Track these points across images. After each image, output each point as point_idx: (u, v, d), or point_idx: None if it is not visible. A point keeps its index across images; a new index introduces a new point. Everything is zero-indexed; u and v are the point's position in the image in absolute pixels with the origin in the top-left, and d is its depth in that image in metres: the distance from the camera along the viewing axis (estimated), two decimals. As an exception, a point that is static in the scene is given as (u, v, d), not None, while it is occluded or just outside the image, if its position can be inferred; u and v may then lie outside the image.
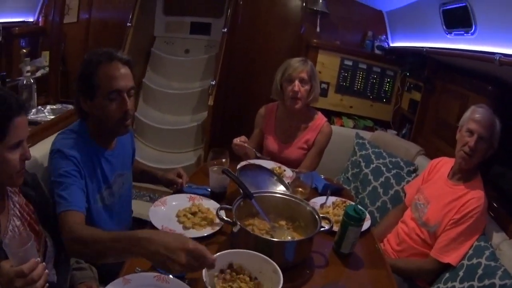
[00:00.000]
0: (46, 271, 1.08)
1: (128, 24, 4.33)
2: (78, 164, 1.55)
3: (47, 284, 1.09)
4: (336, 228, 1.58)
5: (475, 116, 1.92)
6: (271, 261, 1.22)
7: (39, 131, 2.27)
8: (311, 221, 1.53)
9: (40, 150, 1.80)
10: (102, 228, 1.52)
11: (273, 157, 2.44)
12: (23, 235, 1.15)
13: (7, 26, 4.98)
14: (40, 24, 5.44)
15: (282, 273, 1.17)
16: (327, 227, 1.49)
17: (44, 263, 1.08)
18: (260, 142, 2.58)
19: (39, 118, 3.02)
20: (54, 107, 3.42)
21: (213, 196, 1.85)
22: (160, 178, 2.07)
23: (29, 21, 5.56)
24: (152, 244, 1.09)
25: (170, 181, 2.00)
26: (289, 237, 1.53)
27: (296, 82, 2.30)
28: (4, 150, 1.18)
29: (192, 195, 1.83)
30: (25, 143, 1.25)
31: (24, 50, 5.30)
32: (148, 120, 4.37)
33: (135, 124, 4.42)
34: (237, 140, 2.13)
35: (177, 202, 1.75)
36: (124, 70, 1.59)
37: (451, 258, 1.81)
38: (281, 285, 1.13)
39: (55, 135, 1.70)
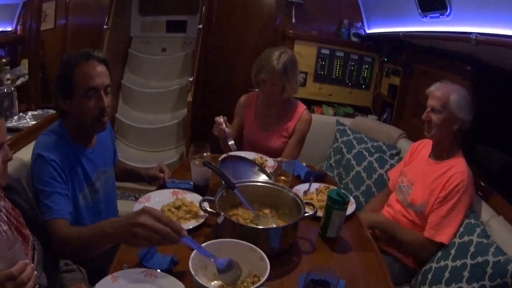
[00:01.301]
0: (35, 272, 1.08)
1: (105, 26, 4.32)
2: (59, 168, 1.58)
3: (37, 286, 1.09)
4: (320, 213, 1.58)
5: (428, 91, 2.00)
6: (257, 248, 1.21)
7: (22, 137, 2.31)
8: (295, 207, 1.52)
9: (24, 155, 1.83)
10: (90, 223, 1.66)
11: (253, 145, 2.44)
12: (11, 238, 1.17)
13: None
14: (18, 33, 5.46)
15: (269, 260, 1.16)
16: (311, 212, 1.48)
17: (33, 265, 1.09)
18: (239, 132, 2.57)
19: (21, 125, 3.10)
20: (36, 112, 3.48)
21: (196, 189, 1.84)
22: (142, 175, 2.08)
23: (7, 31, 5.56)
24: (116, 222, 1.19)
25: (152, 177, 2.01)
26: (273, 225, 1.52)
27: (268, 86, 2.29)
28: None
29: (175, 190, 1.82)
30: (6, 145, 1.25)
31: (4, 60, 5.32)
32: (128, 120, 4.35)
33: (116, 125, 4.41)
34: (220, 119, 2.10)
35: (160, 198, 1.75)
36: (100, 68, 1.63)
37: (443, 236, 1.82)
38: (268, 271, 1.12)
39: (38, 139, 1.72)
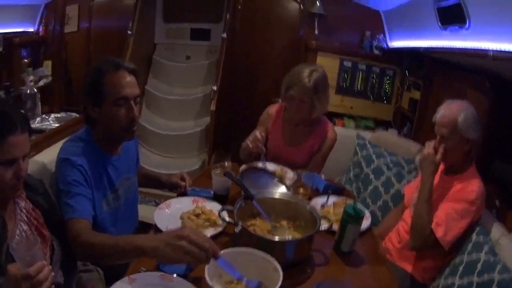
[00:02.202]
0: (52, 273, 1.11)
1: (129, 32, 4.39)
2: (85, 173, 1.61)
3: (53, 286, 1.12)
4: (336, 227, 1.61)
5: (434, 119, 1.98)
6: (272, 259, 1.26)
7: (44, 139, 2.35)
8: (311, 220, 1.56)
9: (46, 157, 1.87)
10: (108, 230, 1.70)
11: (276, 158, 2.42)
12: (30, 239, 1.23)
13: (8, 37, 5.06)
14: (40, 34, 5.52)
15: (283, 271, 1.21)
16: (326, 226, 1.53)
17: (50, 266, 1.11)
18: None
19: (43, 126, 3.17)
20: (58, 115, 3.55)
21: (216, 198, 1.89)
22: (164, 182, 2.11)
23: (29, 31, 5.64)
24: (151, 237, 1.26)
25: (173, 184, 2.04)
26: (289, 237, 1.57)
27: (296, 103, 2.28)
28: None
29: (196, 198, 1.87)
30: (21, 161, 1.28)
31: (26, 60, 5.40)
32: (152, 126, 4.41)
33: (139, 130, 4.42)
34: (259, 135, 2.10)
35: (181, 205, 1.80)
36: (130, 78, 1.66)
37: (441, 231, 1.81)
38: (280, 282, 1.17)
39: (61, 142, 1.76)
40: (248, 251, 1.31)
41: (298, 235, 1.58)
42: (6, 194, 1.30)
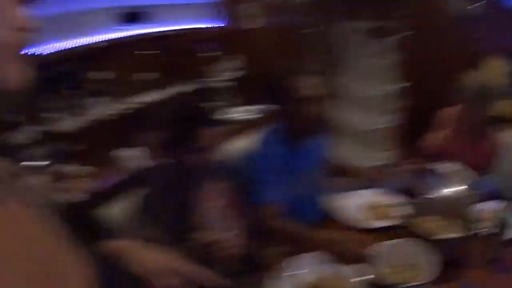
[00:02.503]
0: (238, 243, 1.42)
1: (307, 30, 4.51)
2: (275, 162, 1.85)
3: (238, 250, 1.44)
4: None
5: None
6: (432, 254, 1.44)
7: (239, 129, 2.69)
8: (475, 221, 1.65)
9: (241, 144, 2.18)
10: (294, 218, 1.88)
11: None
12: (221, 209, 1.54)
13: (192, 32, 5.75)
14: (227, 29, 6.16)
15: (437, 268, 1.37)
16: (489, 229, 1.60)
17: (238, 235, 1.44)
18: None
19: (239, 118, 3.61)
20: (250, 107, 3.84)
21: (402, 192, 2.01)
22: (354, 174, 2.25)
23: (217, 26, 6.33)
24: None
25: (365, 178, 2.19)
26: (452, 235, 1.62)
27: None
28: (196, 150, 1.57)
29: (379, 191, 2.07)
30: (214, 146, 1.63)
31: (218, 54, 6.10)
32: (343, 121, 4.42)
33: (332, 125, 4.47)
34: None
35: (360, 196, 2.00)
36: (308, 81, 1.86)
37: None
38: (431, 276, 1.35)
39: (255, 133, 2.05)
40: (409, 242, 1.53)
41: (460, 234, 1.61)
42: (205, 173, 1.65)
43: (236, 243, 1.39)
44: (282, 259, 1.63)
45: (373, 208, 1.88)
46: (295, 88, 1.83)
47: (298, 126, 1.90)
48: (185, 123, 1.58)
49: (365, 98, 4.58)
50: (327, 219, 1.95)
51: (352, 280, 1.44)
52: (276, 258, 1.68)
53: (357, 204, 1.92)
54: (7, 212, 0.55)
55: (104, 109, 4.67)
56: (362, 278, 1.44)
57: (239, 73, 5.11)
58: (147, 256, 0.88)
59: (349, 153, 4.30)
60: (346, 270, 1.48)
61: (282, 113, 1.92)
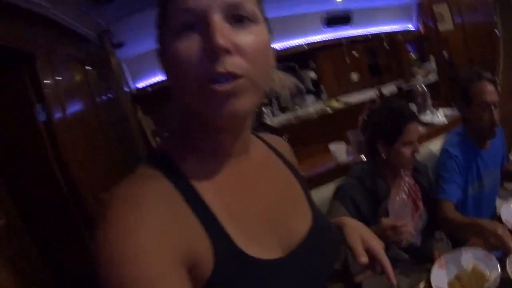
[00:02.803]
0: (413, 232, 1.53)
1: (498, 34, 4.36)
2: (458, 162, 1.96)
3: (410, 239, 1.51)
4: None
5: None
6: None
7: (434, 131, 2.87)
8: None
9: (433, 147, 2.27)
10: (469, 213, 2.03)
11: None
12: (405, 202, 1.65)
13: (390, 35, 6.02)
14: (422, 31, 6.25)
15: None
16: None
17: (412, 224, 1.56)
18: None
19: (434, 120, 3.57)
20: (446, 110, 3.76)
21: None
22: None
23: (411, 29, 6.47)
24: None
25: None
26: None
27: None
28: (400, 145, 1.72)
29: None
30: (416, 142, 1.73)
31: (413, 55, 6.29)
32: None
33: None
34: None
35: None
36: (490, 88, 1.93)
37: None
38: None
39: (444, 134, 2.21)
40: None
41: None
42: (405, 166, 1.78)
43: (411, 232, 1.48)
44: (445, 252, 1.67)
45: None
46: (480, 93, 1.93)
47: (481, 129, 1.99)
48: (396, 119, 1.74)
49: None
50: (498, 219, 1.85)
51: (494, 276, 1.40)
52: (440, 251, 1.72)
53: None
54: None
55: (314, 106, 5.47)
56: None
57: (436, 76, 5.17)
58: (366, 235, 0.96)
59: None
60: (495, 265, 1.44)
61: (467, 116, 2.03)
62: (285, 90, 0.86)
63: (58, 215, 2.32)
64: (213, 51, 0.58)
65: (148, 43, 4.55)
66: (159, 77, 5.05)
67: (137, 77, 4.77)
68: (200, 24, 0.60)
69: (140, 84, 4.94)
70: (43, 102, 2.30)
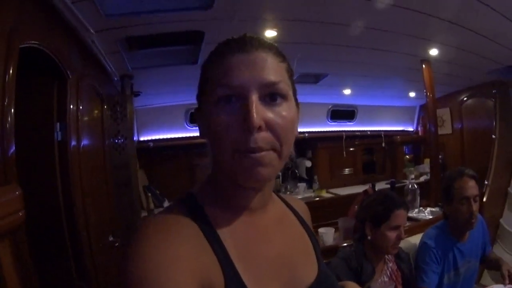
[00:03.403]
0: None
1: (493, 136, 4.62)
2: (436, 253, 2.16)
3: None
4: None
5: None
6: None
7: (418, 226, 2.97)
8: None
9: (415, 239, 2.47)
10: None
11: None
12: (387, 283, 1.84)
13: (389, 134, 6.32)
14: (420, 134, 6.51)
15: None
16: None
17: None
18: None
19: (419, 217, 3.66)
20: (433, 209, 3.87)
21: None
22: (500, 270, 2.27)
23: (409, 130, 6.76)
24: None
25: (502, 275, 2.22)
26: None
27: None
28: (386, 228, 1.89)
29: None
30: (402, 229, 1.91)
31: (408, 157, 6.50)
32: (509, 227, 4.34)
33: (499, 230, 4.41)
34: None
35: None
36: (471, 183, 2.14)
37: None
38: None
39: (427, 229, 2.36)
40: None
41: None
42: (388, 250, 1.94)
43: None
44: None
45: None
46: (461, 188, 2.13)
47: (459, 221, 2.18)
48: (385, 204, 1.96)
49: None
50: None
51: None
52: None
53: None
54: None
55: (304, 194, 5.61)
56: None
57: (428, 176, 5.33)
58: None
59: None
60: None
61: (448, 211, 2.23)
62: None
63: (50, 239, 2.18)
64: (248, 127, 0.70)
65: (159, 99, 4.79)
66: (163, 135, 5.11)
67: (142, 129, 4.79)
68: (239, 99, 0.73)
69: (143, 138, 4.96)
70: (64, 122, 2.26)
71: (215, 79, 0.75)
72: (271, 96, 0.74)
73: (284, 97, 0.76)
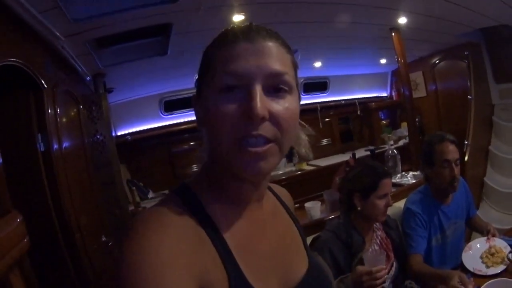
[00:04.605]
0: (386, 276, 1.65)
1: (469, 97, 4.79)
2: (420, 217, 2.19)
3: (383, 285, 1.63)
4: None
5: None
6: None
7: (402, 191, 3.02)
8: None
9: (401, 204, 2.46)
10: (434, 262, 2.24)
11: None
12: (378, 251, 1.82)
13: (364, 102, 6.33)
14: (394, 99, 6.56)
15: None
16: None
17: (386, 270, 1.65)
18: None
19: (402, 182, 3.75)
20: (416, 173, 3.92)
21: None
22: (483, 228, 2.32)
23: (383, 96, 6.78)
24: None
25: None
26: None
27: None
28: (375, 198, 1.93)
29: (490, 238, 2.18)
30: (389, 196, 1.95)
31: (384, 122, 6.55)
32: (494, 184, 4.63)
33: (484, 188, 4.72)
34: None
35: (479, 245, 2.18)
36: (452, 147, 2.17)
37: None
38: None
39: (411, 193, 2.38)
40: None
41: None
42: (377, 218, 1.97)
43: (383, 278, 1.62)
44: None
45: (491, 254, 2.07)
46: (442, 153, 2.17)
47: (442, 185, 2.21)
48: (371, 175, 1.98)
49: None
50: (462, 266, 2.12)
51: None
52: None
53: (477, 254, 2.13)
54: None
55: (284, 169, 5.63)
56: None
57: (407, 140, 5.39)
58: None
59: (499, 214, 4.44)
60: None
61: (430, 175, 2.26)
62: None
63: (46, 245, 2.22)
64: (251, 117, 0.68)
65: (132, 92, 4.75)
66: (139, 127, 5.09)
67: (118, 124, 4.76)
68: (242, 88, 0.71)
69: (120, 132, 4.93)
70: (45, 133, 2.26)
71: (219, 66, 0.72)
72: (275, 87, 0.73)
73: (288, 89, 0.74)
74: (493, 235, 2.21)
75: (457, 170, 2.17)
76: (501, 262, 2.00)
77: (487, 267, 2.02)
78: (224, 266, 0.70)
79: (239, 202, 0.81)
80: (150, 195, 4.90)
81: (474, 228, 2.53)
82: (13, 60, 1.75)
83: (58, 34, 2.28)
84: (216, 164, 0.79)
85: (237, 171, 0.73)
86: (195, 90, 0.82)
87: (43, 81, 2.19)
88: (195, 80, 0.81)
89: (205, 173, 0.82)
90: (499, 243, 2.15)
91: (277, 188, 1.04)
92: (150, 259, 0.60)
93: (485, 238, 2.20)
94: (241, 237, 0.77)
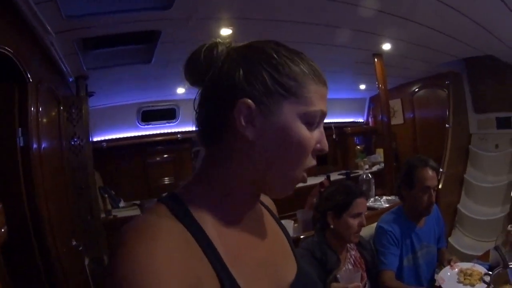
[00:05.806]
0: None
1: (447, 125, 4.88)
2: (393, 236, 2.20)
3: None
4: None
5: None
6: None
7: (376, 214, 3.01)
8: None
9: (374, 227, 2.44)
10: (407, 282, 2.23)
11: None
12: (352, 270, 1.85)
13: (340, 126, 6.34)
14: (370, 125, 6.62)
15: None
16: None
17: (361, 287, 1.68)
18: None
19: (376, 205, 3.82)
20: (389, 198, 3.99)
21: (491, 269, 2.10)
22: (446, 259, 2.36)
23: (359, 122, 6.84)
24: None
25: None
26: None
27: None
28: (347, 216, 1.93)
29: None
30: (363, 216, 1.95)
31: (359, 147, 6.60)
32: (467, 211, 4.76)
33: (457, 215, 4.83)
34: None
35: (449, 273, 2.19)
36: (432, 174, 2.20)
37: None
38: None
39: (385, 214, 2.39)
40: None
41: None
42: (351, 239, 1.98)
43: None
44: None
45: (469, 275, 2.10)
46: (423, 178, 2.19)
47: (418, 208, 2.24)
48: (346, 193, 2.00)
49: (487, 188, 4.72)
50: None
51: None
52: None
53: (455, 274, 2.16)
54: None
55: None
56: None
57: (382, 166, 5.46)
58: None
59: (472, 241, 4.53)
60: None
61: (407, 197, 2.28)
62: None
63: (17, 245, 2.13)
64: (321, 151, 0.79)
65: (111, 98, 4.70)
66: (115, 135, 5.02)
67: (95, 130, 4.69)
68: (317, 126, 0.78)
69: (96, 138, 4.85)
70: (25, 128, 2.20)
71: (315, 99, 0.76)
72: None
73: None
74: (455, 262, 2.23)
75: (433, 195, 2.21)
76: (479, 279, 2.05)
77: (465, 285, 2.07)
78: (217, 275, 0.70)
79: (234, 212, 0.81)
80: (121, 204, 4.81)
81: (438, 259, 2.50)
82: (3, 47, 1.70)
83: (49, 28, 2.24)
84: (237, 179, 0.78)
85: (269, 191, 0.82)
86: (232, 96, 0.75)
87: (29, 75, 2.14)
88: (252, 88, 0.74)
89: (199, 184, 0.81)
90: (470, 265, 2.20)
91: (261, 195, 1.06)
92: (142, 270, 0.59)
93: (448, 266, 2.23)
94: (232, 244, 0.77)
